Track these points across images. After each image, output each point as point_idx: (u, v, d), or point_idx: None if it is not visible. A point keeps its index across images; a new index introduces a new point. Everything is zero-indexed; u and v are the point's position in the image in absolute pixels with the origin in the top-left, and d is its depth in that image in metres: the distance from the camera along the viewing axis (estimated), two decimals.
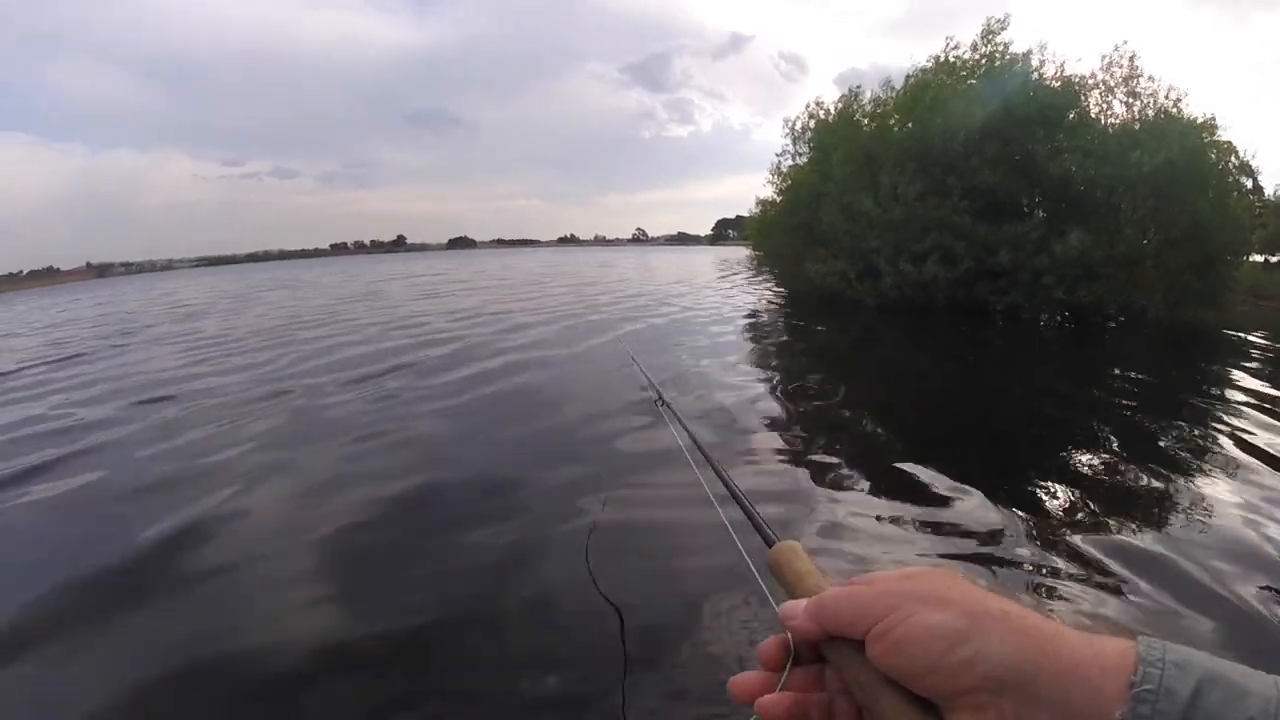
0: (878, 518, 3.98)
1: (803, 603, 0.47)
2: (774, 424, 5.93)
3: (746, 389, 7.10)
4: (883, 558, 3.51)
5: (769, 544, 0.56)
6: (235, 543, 3.77)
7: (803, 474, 4.71)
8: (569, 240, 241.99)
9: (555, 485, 4.52)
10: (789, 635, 0.47)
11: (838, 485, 4.51)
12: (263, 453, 5.30)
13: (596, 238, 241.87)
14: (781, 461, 4.98)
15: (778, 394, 7.06)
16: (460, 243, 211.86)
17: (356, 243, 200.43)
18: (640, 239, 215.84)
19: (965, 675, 0.37)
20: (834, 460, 4.98)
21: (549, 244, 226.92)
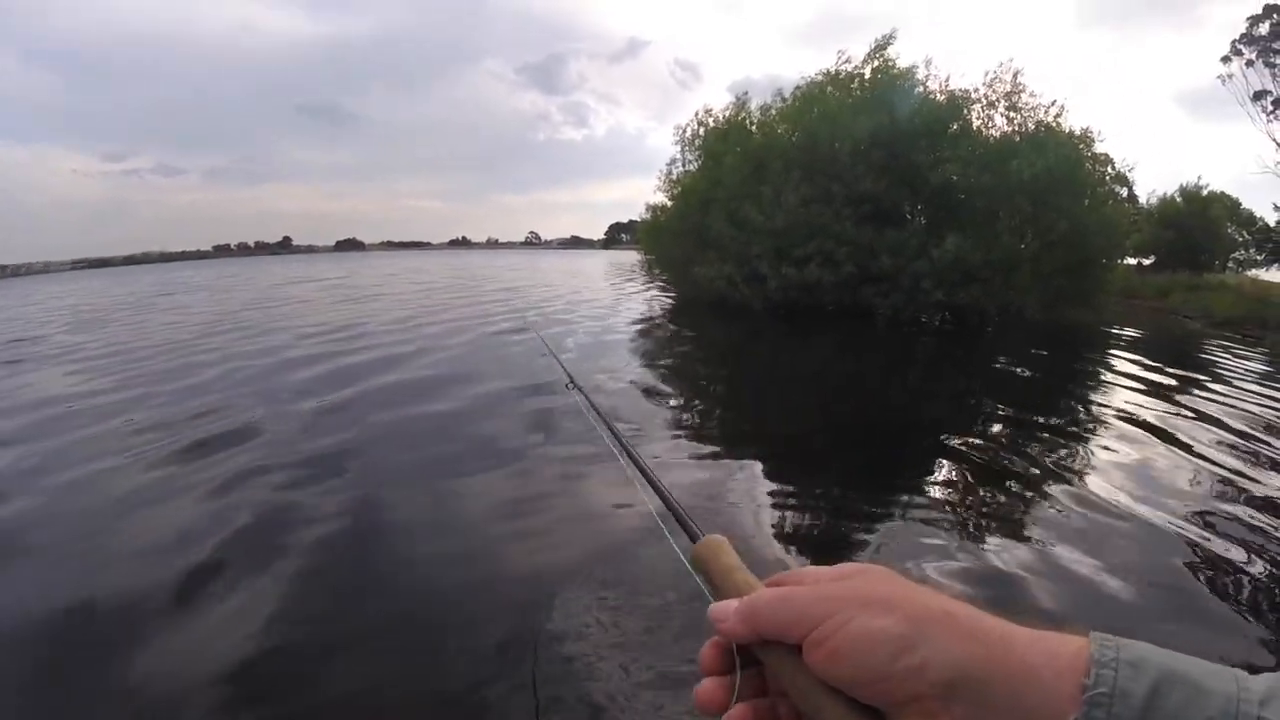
0: (774, 512, 4.05)
1: (733, 604, 0.44)
2: (661, 424, 6.01)
3: (631, 392, 7.19)
4: (779, 555, 3.50)
5: (693, 538, 0.53)
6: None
7: (692, 472, 4.76)
8: (460, 243, 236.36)
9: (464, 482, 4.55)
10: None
11: (729, 483, 4.54)
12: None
13: (489, 240, 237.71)
14: (677, 457, 5.06)
15: (664, 395, 7.18)
16: (348, 245, 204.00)
17: (241, 244, 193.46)
18: (533, 242, 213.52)
19: (913, 682, 0.35)
20: (722, 458, 5.07)
21: (440, 247, 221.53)
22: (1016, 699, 0.34)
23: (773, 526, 3.86)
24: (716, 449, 5.31)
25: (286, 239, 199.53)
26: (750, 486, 4.46)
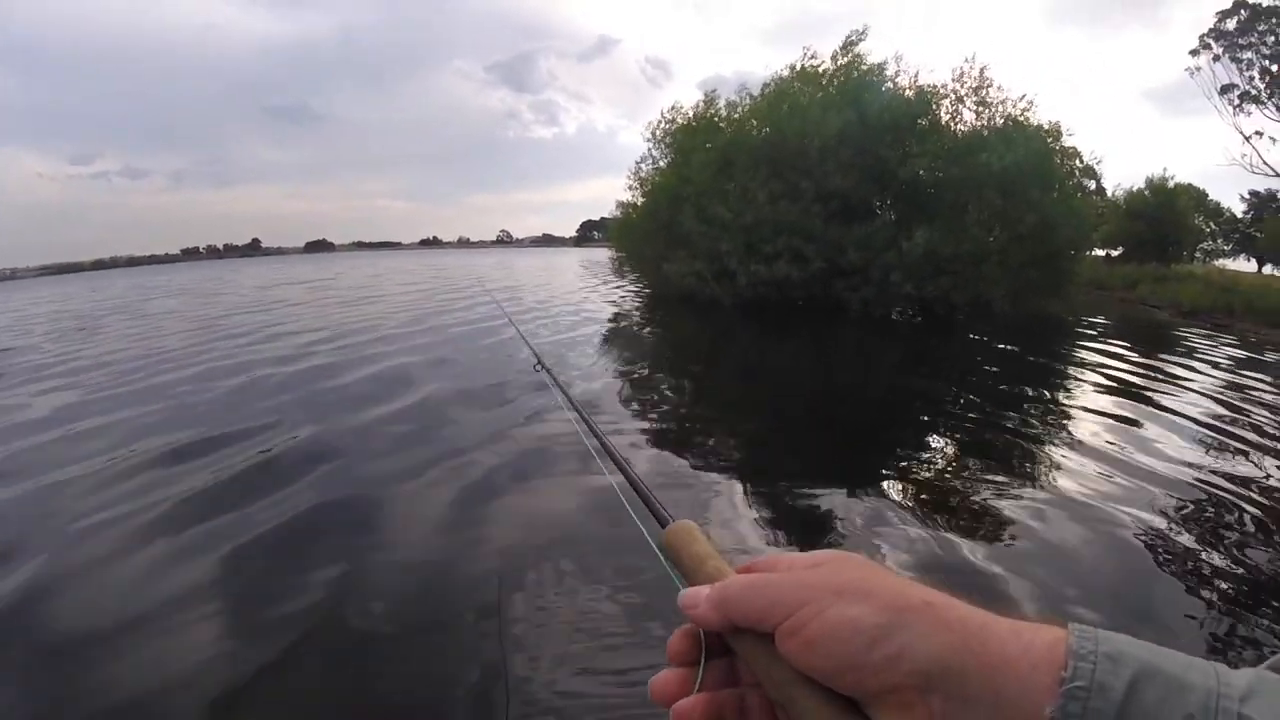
0: (739, 501, 4.02)
1: (704, 590, 0.43)
2: (629, 415, 6.00)
3: (608, 384, 7.17)
4: (744, 543, 3.45)
5: (662, 523, 0.52)
6: None
7: (659, 461, 4.75)
8: (431, 243, 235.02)
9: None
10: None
11: (700, 471, 4.54)
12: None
13: (460, 240, 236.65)
14: (648, 447, 5.04)
15: (636, 389, 7.15)
16: (318, 246, 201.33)
17: (209, 247, 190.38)
18: (505, 241, 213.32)
19: (889, 673, 0.35)
20: (688, 448, 5.05)
21: (411, 247, 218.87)
22: (993, 690, 0.33)
23: (738, 514, 3.83)
24: (683, 439, 5.30)
25: (255, 241, 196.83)
26: (715, 475, 4.44)
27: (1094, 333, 13.44)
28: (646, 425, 5.69)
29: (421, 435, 5.36)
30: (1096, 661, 0.32)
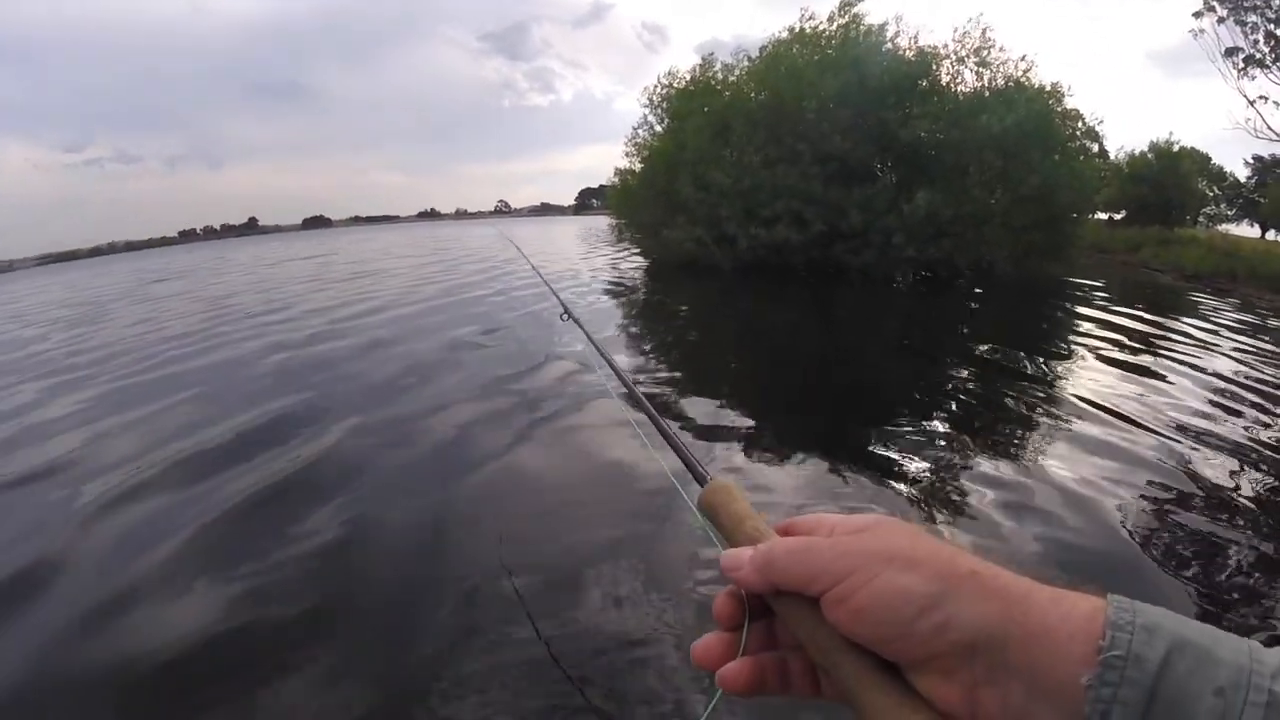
0: (743, 462, 4.03)
1: (746, 552, 0.43)
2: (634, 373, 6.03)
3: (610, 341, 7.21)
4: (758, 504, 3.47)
5: (700, 482, 0.51)
6: None
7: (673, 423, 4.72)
8: (430, 215, 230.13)
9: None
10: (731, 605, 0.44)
11: (709, 434, 4.53)
12: None
13: (458, 211, 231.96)
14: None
15: (636, 349, 7.19)
16: (316, 222, 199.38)
17: (207, 228, 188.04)
18: (503, 211, 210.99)
19: (935, 641, 0.35)
20: (693, 408, 5.08)
21: (409, 219, 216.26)
22: (1032, 658, 0.33)
23: (739, 477, 3.78)
24: (682, 400, 5.30)
25: (253, 220, 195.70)
26: (713, 437, 4.43)
27: (1099, 296, 13.35)
28: (645, 386, 5.68)
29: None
30: (1133, 633, 0.32)
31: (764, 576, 0.41)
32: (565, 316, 1.55)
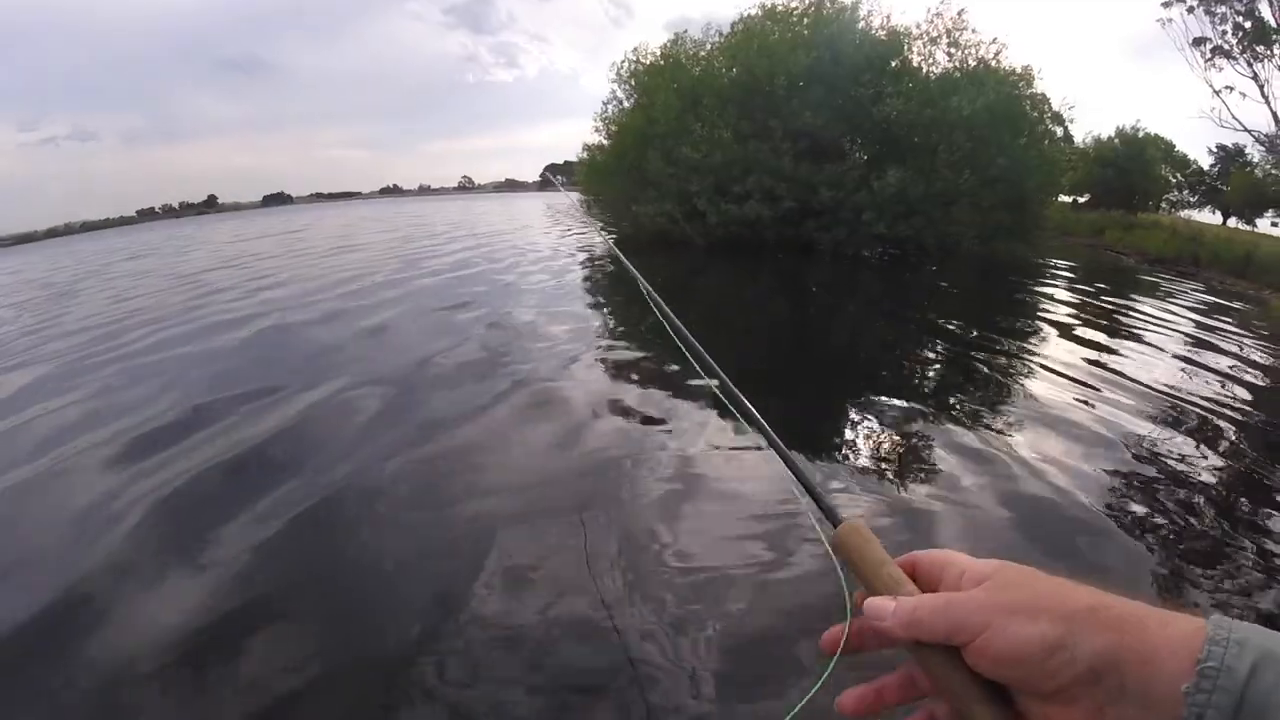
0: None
1: (889, 603, 0.47)
2: (602, 348, 5.99)
3: (579, 333, 6.89)
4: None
5: (835, 523, 0.53)
6: None
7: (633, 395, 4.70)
8: (392, 191, 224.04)
9: None
10: (854, 627, 0.50)
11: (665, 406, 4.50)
12: None
13: (421, 188, 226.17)
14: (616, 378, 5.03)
15: (606, 326, 7.15)
16: (276, 199, 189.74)
17: (165, 206, 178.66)
18: (467, 187, 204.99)
19: (1063, 674, 0.39)
20: (661, 385, 4.98)
21: (371, 196, 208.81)
22: (1145, 678, 0.38)
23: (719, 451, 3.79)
24: (662, 372, 5.27)
25: (212, 197, 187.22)
26: (677, 416, 4.38)
27: (1064, 276, 13.56)
28: (617, 357, 5.67)
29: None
30: (1227, 647, 0.36)
31: (909, 631, 0.46)
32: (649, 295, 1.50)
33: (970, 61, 15.25)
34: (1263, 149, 31.72)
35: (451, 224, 26.55)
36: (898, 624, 0.46)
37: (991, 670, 0.42)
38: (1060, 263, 15.57)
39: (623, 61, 16.90)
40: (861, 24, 15.12)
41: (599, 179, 16.91)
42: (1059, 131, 17.74)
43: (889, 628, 0.46)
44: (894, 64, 14.88)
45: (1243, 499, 3.56)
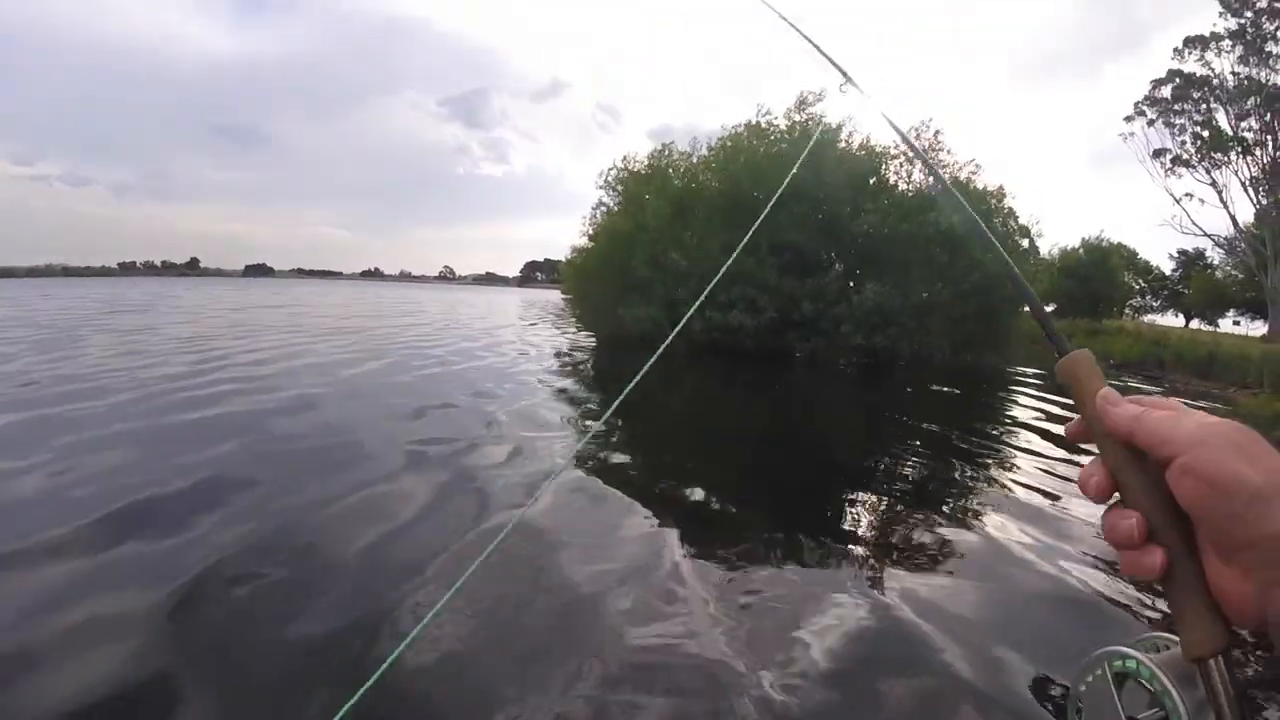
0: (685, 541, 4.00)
1: (1122, 400, 0.48)
2: (588, 446, 6.01)
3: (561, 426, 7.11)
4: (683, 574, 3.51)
5: (1062, 352, 0.55)
6: None
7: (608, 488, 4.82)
8: (373, 274, 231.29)
9: None
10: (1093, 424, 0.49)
11: (641, 507, 4.55)
12: None
13: (402, 273, 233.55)
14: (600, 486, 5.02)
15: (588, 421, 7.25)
16: (258, 269, 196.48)
17: (147, 263, 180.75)
18: (447, 277, 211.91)
19: (1254, 529, 0.39)
20: (640, 485, 5.11)
21: (352, 277, 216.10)
22: None
23: (683, 552, 3.87)
24: (645, 469, 5.52)
25: (194, 260, 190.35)
26: (656, 514, 4.48)
27: (1034, 382, 14.05)
28: (600, 456, 5.75)
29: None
30: None
31: (1130, 425, 0.46)
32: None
33: (946, 179, 16.19)
34: (1222, 251, 33.62)
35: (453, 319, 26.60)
36: (1126, 416, 0.47)
37: (1190, 493, 0.42)
38: (1029, 370, 16.14)
39: (610, 169, 17.86)
40: (842, 144, 16.16)
41: (584, 280, 17.50)
42: (1025, 244, 18.80)
43: (1116, 415, 0.47)
44: (872, 181, 15.86)
45: None
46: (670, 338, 1.02)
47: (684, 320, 1.03)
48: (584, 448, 6.19)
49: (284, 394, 7.95)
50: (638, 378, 1.02)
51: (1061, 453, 6.72)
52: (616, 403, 1.13)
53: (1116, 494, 0.49)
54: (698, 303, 0.96)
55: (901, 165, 16.52)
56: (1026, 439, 7.45)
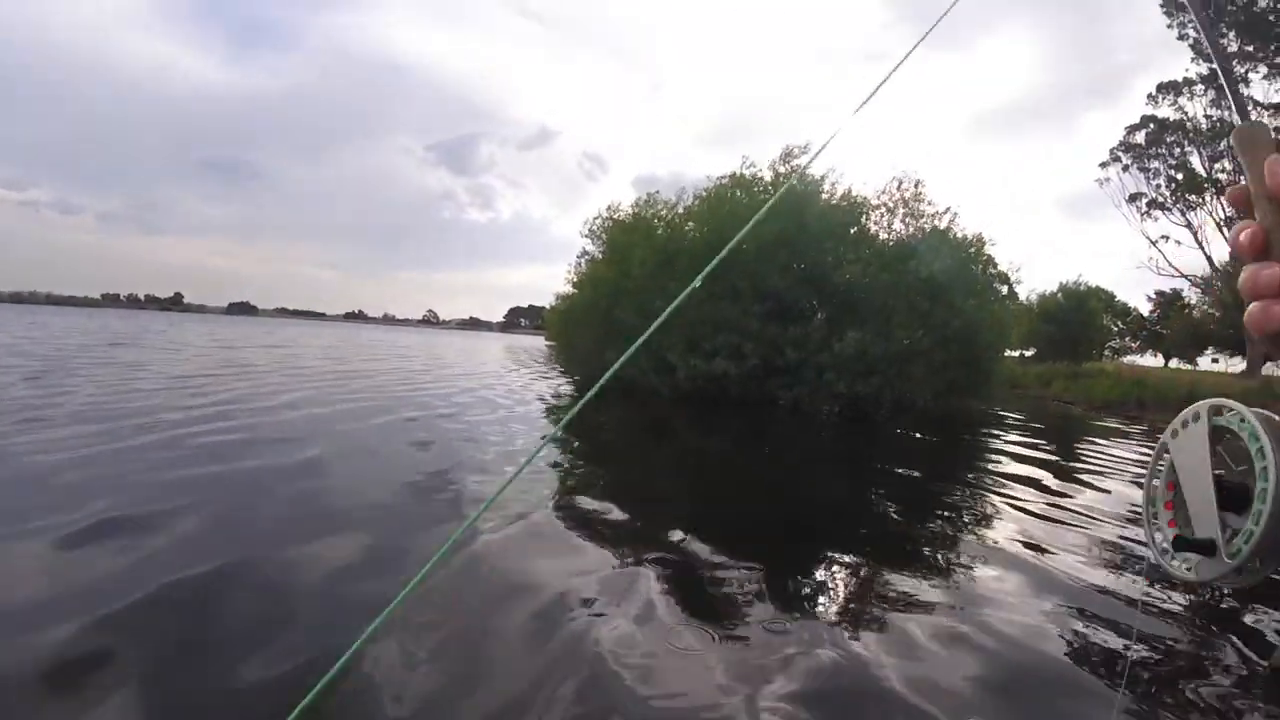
0: (665, 584, 3.98)
1: None
2: (574, 490, 6.10)
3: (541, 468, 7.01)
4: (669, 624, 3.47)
5: (1243, 117, 0.56)
6: None
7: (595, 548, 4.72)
8: (357, 316, 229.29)
9: None
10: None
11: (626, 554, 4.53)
12: None
13: (385, 316, 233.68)
14: (579, 539, 5.01)
15: (576, 470, 7.32)
16: (241, 308, 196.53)
17: (130, 295, 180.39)
18: (431, 321, 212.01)
19: None
20: (624, 532, 5.07)
21: (335, 318, 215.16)
22: None
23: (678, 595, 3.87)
24: (628, 514, 5.46)
25: (178, 295, 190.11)
26: (641, 558, 4.44)
27: (1015, 427, 14.30)
28: (586, 500, 5.77)
29: None
30: None
31: None
32: None
33: (926, 228, 16.73)
34: (1199, 290, 34.44)
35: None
36: None
37: None
38: (1011, 415, 16.45)
39: (595, 217, 18.30)
40: (825, 194, 16.61)
41: (569, 326, 17.76)
42: (1004, 289, 19.31)
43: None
44: (853, 231, 16.29)
45: (1199, 630, 3.77)
46: (628, 354, 1.08)
47: (637, 344, 1.10)
48: (562, 489, 6.23)
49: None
50: (595, 389, 1.06)
51: (1045, 497, 6.89)
52: (574, 411, 1.20)
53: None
54: (651, 329, 1.06)
55: (882, 215, 17.08)
56: (1009, 487, 7.48)
